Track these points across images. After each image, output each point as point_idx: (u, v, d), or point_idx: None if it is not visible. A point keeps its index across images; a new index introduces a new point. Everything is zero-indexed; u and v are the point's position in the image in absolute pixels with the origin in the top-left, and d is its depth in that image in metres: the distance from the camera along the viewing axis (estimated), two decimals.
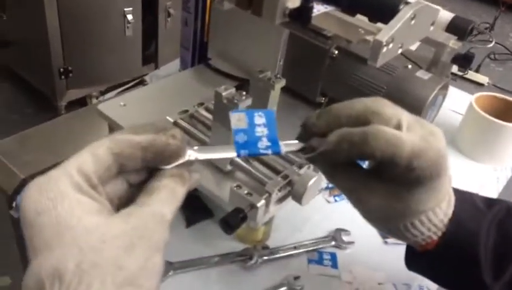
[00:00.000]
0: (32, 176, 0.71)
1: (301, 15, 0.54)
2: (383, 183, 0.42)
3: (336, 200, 0.76)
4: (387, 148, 0.38)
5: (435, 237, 0.45)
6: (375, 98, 0.42)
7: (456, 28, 0.84)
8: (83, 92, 2.01)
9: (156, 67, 2.07)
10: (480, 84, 2.70)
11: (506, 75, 2.93)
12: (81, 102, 2.01)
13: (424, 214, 0.43)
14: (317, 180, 0.62)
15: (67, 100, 1.96)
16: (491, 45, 2.31)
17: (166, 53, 2.06)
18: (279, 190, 0.61)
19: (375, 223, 0.47)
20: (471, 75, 2.70)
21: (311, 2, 0.54)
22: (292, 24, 0.57)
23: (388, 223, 0.45)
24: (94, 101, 2.06)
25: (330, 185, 0.78)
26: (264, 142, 0.40)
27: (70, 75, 1.89)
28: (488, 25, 3.21)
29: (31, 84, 2.08)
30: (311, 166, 0.66)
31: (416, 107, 0.71)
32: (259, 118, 0.40)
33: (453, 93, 0.75)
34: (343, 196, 0.76)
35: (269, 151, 0.40)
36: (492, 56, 2.98)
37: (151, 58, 2.10)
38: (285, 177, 0.62)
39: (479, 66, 2.82)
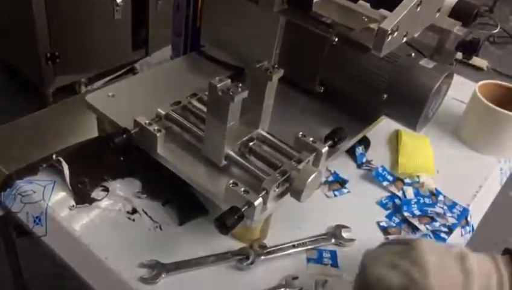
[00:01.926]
0: (18, 172, 0.68)
1: (301, 2, 0.50)
2: None
3: (335, 195, 0.73)
4: None
5: None
6: None
7: (460, 13, 0.80)
8: (72, 78, 1.95)
9: (147, 52, 2.01)
10: (479, 69, 2.67)
11: (506, 58, 2.89)
12: (70, 89, 1.96)
13: None
14: (317, 176, 0.59)
15: (55, 87, 1.90)
16: (496, 30, 2.28)
17: (157, 38, 2.00)
18: (277, 187, 0.58)
19: None
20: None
21: None
22: (291, 11, 0.53)
23: None
24: (83, 88, 2.00)
25: (329, 179, 0.75)
26: None
27: (58, 60, 1.83)
28: (487, 8, 3.16)
29: (18, 70, 2.01)
30: (310, 161, 0.64)
31: (421, 97, 0.68)
32: None
33: (454, 80, 0.73)
34: (343, 190, 0.74)
35: None
36: (491, 39, 2.94)
37: (141, 43, 2.04)
38: (283, 173, 0.59)
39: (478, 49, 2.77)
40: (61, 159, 0.67)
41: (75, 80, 1.97)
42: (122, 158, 0.70)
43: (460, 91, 0.91)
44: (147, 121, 0.63)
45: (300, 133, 0.65)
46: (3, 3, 1.85)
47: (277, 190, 0.58)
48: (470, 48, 0.77)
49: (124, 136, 0.62)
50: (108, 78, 0.87)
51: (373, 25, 0.53)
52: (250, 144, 0.64)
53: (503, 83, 0.87)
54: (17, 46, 1.92)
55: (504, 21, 3.12)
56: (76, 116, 0.80)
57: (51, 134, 0.77)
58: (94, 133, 0.74)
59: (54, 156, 0.68)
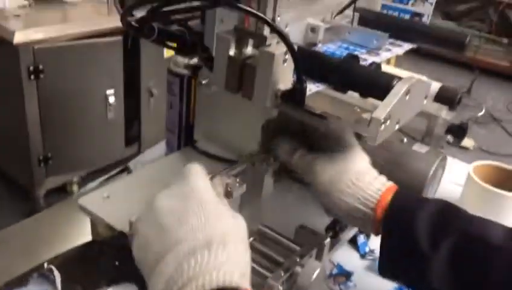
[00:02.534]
0: (7, 284, 0.64)
1: (294, 97, 0.52)
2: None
3: (341, 289, 0.70)
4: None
5: (376, 198, 0.55)
6: None
7: (444, 98, 0.83)
8: (63, 178, 1.93)
9: (140, 148, 2.04)
10: (465, 148, 2.72)
11: (490, 137, 2.98)
12: (61, 189, 1.94)
13: (357, 172, 0.57)
14: (321, 271, 0.56)
15: (45, 188, 1.88)
16: (481, 113, 2.37)
17: (149, 133, 2.04)
18: (282, 284, 0.55)
19: (329, 194, 0.57)
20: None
21: (304, 82, 0.51)
22: (284, 106, 0.54)
23: (337, 184, 0.56)
24: (74, 187, 1.98)
25: (334, 272, 0.72)
26: None
27: (50, 162, 1.82)
28: (465, 90, 3.30)
29: (6, 173, 1.98)
30: (313, 255, 0.61)
31: (418, 183, 0.68)
32: None
33: (448, 162, 0.73)
34: (348, 283, 0.70)
35: None
36: (473, 119, 3.04)
37: (134, 139, 2.07)
38: (287, 269, 0.56)
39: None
40: (53, 268, 0.64)
41: (67, 180, 1.96)
42: (117, 263, 0.67)
43: (454, 173, 0.91)
44: None
45: (300, 224, 0.64)
46: None
47: (281, 288, 0.56)
48: (459, 131, 0.79)
49: (120, 239, 0.60)
50: (101, 179, 0.86)
51: (365, 115, 0.54)
52: (250, 239, 0.62)
53: (497, 163, 0.88)
54: (9, 150, 1.92)
55: (483, 101, 3.25)
56: (67, 221, 0.78)
57: (42, 241, 0.75)
58: (87, 237, 0.72)
59: (45, 265, 0.65)
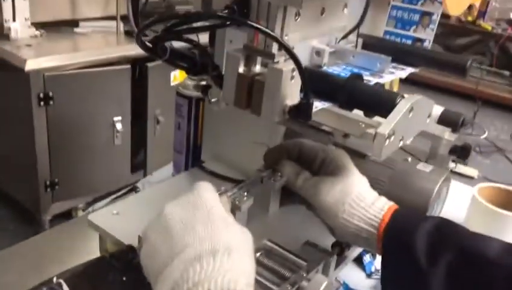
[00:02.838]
0: None
1: (301, 112, 0.53)
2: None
3: None
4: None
5: (379, 217, 0.57)
6: None
7: (447, 121, 0.85)
8: (69, 204, 1.95)
9: (145, 174, 2.05)
10: (470, 177, 2.73)
11: (494, 167, 2.99)
12: (66, 215, 1.94)
13: (358, 193, 0.59)
14: (328, 285, 0.57)
15: (51, 214, 1.89)
16: (483, 136, 2.38)
17: (155, 160, 2.06)
18: None
19: (334, 216, 0.59)
20: (459, 168, 2.73)
21: (310, 98, 0.53)
22: (291, 121, 0.56)
23: (341, 205, 0.58)
24: (80, 213, 1.99)
25: None
26: None
27: (57, 187, 1.84)
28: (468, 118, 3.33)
29: (12, 198, 2.00)
30: (320, 270, 0.62)
31: (422, 201, 0.68)
32: None
33: (452, 185, 0.74)
34: None
35: None
36: (477, 149, 3.06)
37: (139, 165, 2.09)
38: (294, 283, 0.57)
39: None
40: (62, 282, 0.65)
41: (73, 205, 1.97)
42: (124, 278, 0.67)
43: (458, 196, 0.92)
44: None
45: (306, 241, 0.64)
46: (7, 136, 1.91)
47: None
48: (462, 152, 0.80)
49: (129, 253, 0.61)
50: (110, 198, 0.87)
51: (370, 130, 0.56)
52: (257, 254, 0.63)
53: (501, 186, 0.89)
54: (16, 175, 1.94)
55: (487, 131, 3.27)
56: (75, 238, 0.79)
57: (50, 258, 0.75)
58: (95, 254, 0.72)
59: (54, 279, 0.65)
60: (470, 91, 3.60)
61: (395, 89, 1.13)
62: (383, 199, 0.60)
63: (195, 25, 0.55)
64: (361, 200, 0.59)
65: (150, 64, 1.92)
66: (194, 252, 0.43)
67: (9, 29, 1.79)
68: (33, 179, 1.79)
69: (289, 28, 0.55)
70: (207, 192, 0.51)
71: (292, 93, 0.55)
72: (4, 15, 1.77)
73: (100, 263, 0.70)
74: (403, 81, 0.88)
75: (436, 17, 0.83)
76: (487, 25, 3.90)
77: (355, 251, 0.71)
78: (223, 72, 0.60)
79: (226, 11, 0.53)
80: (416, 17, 0.86)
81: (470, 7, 3.68)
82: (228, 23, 0.53)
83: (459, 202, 0.93)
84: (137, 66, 1.95)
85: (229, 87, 0.57)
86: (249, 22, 0.50)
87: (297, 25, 0.56)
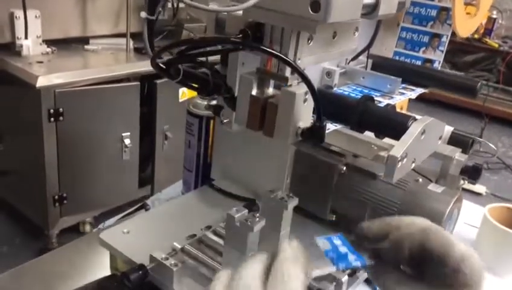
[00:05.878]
0: None
1: (314, 134, 0.54)
2: (426, 287, 0.46)
3: None
4: (443, 246, 0.44)
5: None
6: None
7: (457, 142, 0.85)
8: (76, 218, 1.96)
9: (152, 189, 2.06)
10: (478, 194, 2.71)
11: (502, 184, 2.97)
12: (74, 229, 1.95)
13: None
14: None
15: (59, 228, 1.90)
16: (494, 157, 2.38)
17: (162, 175, 2.06)
18: None
19: None
20: (467, 185, 2.71)
21: (324, 121, 0.54)
22: (304, 143, 0.57)
23: None
24: (87, 227, 1.99)
25: None
26: (351, 257, 0.48)
27: (65, 202, 1.85)
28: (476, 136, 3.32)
29: (20, 212, 2.01)
30: None
31: (434, 222, 0.68)
32: (336, 240, 0.50)
33: (463, 205, 0.74)
34: None
35: (359, 264, 0.48)
36: (485, 166, 3.04)
37: (147, 180, 2.10)
38: None
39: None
40: None
41: (80, 220, 1.98)
42: None
43: (469, 215, 0.92)
44: (164, 256, 0.62)
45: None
46: (17, 151, 1.93)
47: None
48: (473, 173, 0.80)
49: (140, 272, 0.61)
50: (121, 215, 0.88)
51: (383, 153, 0.56)
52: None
53: (511, 205, 0.88)
54: (25, 190, 1.95)
55: (495, 147, 3.26)
56: (86, 256, 0.79)
57: (59, 276, 0.75)
58: (106, 271, 0.72)
59: None
60: (477, 107, 3.60)
61: (404, 107, 1.13)
62: None
63: (209, 48, 0.55)
64: None
65: (158, 81, 1.94)
66: None
67: (21, 46, 1.82)
68: (42, 194, 1.80)
69: (302, 52, 0.56)
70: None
71: (305, 115, 0.55)
72: (16, 33, 1.80)
73: (111, 281, 0.70)
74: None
75: (446, 39, 0.84)
76: (494, 42, 3.91)
77: (366, 273, 0.71)
78: (236, 94, 0.61)
79: (240, 35, 0.54)
80: (426, 38, 0.87)
81: None
82: (241, 47, 0.54)
83: (470, 220, 0.93)
84: (146, 83, 1.97)
85: (242, 109, 0.58)
86: (264, 48, 0.50)
87: (310, 48, 0.57)
